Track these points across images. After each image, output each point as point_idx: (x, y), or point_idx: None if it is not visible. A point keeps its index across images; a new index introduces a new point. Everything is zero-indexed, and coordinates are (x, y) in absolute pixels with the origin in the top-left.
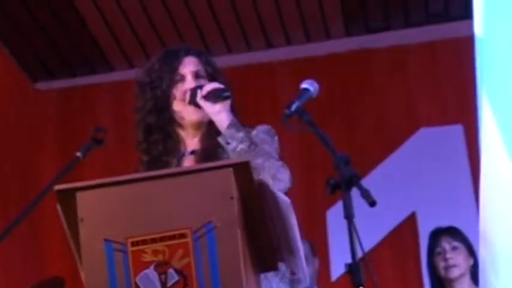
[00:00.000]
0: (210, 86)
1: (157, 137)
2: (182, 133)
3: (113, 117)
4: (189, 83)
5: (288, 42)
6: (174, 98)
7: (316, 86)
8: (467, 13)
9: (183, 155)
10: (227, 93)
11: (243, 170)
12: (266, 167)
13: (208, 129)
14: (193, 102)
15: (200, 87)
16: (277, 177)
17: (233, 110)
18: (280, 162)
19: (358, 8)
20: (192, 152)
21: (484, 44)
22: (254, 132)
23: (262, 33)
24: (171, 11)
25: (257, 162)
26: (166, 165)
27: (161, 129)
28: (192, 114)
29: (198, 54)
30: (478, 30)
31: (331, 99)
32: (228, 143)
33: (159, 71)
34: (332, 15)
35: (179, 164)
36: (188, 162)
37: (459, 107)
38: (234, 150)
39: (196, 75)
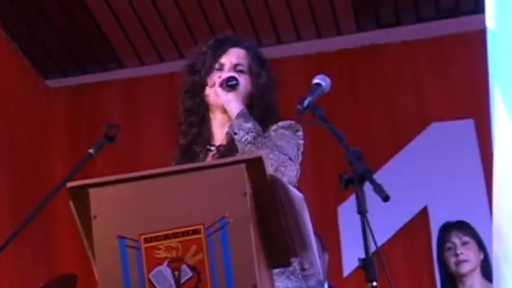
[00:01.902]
0: (225, 75)
1: (193, 120)
2: (213, 118)
3: (124, 114)
4: (225, 73)
5: (299, 38)
6: (209, 85)
7: (328, 80)
8: (477, 7)
9: (210, 149)
10: (233, 82)
11: (255, 166)
12: (270, 159)
13: None
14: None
15: (220, 76)
16: (280, 170)
17: (270, 104)
18: (286, 156)
19: (369, 3)
20: (218, 148)
21: (496, 38)
22: (274, 126)
23: (272, 29)
24: (182, 8)
25: (262, 153)
26: (196, 156)
27: (196, 112)
28: (216, 104)
29: (246, 47)
30: (490, 24)
31: (342, 95)
32: (235, 133)
33: (203, 56)
34: (343, 11)
35: (205, 156)
36: (212, 157)
37: (470, 102)
38: (239, 140)
39: (235, 68)
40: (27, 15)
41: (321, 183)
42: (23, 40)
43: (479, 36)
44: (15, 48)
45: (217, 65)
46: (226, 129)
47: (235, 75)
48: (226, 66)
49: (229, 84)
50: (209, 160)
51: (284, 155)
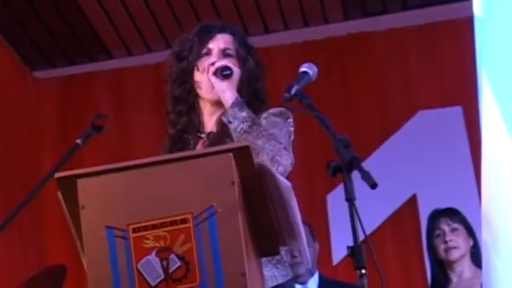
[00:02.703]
0: (219, 63)
1: (182, 108)
2: (202, 105)
3: (112, 105)
4: (213, 57)
5: (286, 26)
6: (197, 70)
7: (315, 69)
8: None
9: (200, 137)
10: (227, 72)
11: (243, 155)
12: (265, 148)
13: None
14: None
15: (212, 63)
16: (276, 160)
17: (259, 91)
18: (282, 145)
19: None
20: (208, 135)
21: (484, 25)
22: (265, 114)
23: (260, 18)
24: None
25: (257, 143)
26: (187, 144)
27: (185, 100)
28: (208, 91)
29: (233, 33)
30: (477, 11)
31: (330, 83)
32: (230, 122)
33: (190, 42)
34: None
35: (195, 144)
36: (201, 144)
37: (458, 89)
38: (235, 129)
39: (224, 52)
40: (14, 6)
41: (309, 171)
42: (11, 31)
43: (467, 24)
44: (3, 40)
45: (205, 50)
46: (216, 116)
47: (230, 64)
48: (215, 51)
49: (224, 74)
50: (199, 148)
51: (279, 144)
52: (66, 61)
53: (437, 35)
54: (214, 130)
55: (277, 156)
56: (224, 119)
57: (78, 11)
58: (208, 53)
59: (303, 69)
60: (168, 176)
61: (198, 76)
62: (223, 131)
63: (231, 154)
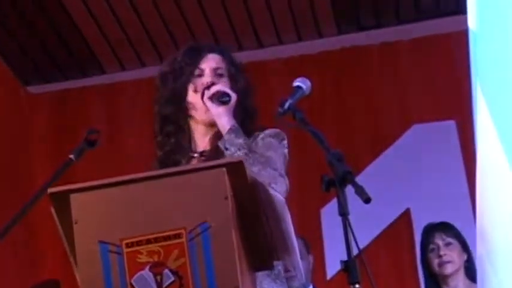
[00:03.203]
0: (215, 88)
1: (170, 129)
2: (194, 127)
3: (106, 120)
4: (206, 78)
5: (280, 41)
6: (193, 90)
7: (309, 83)
8: (457, 8)
9: (193, 156)
10: (226, 98)
11: (236, 170)
12: (262, 175)
13: (219, 130)
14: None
15: (209, 87)
16: (272, 187)
17: (250, 110)
18: (277, 172)
19: (349, 6)
20: (202, 153)
21: (478, 38)
22: (262, 135)
23: (253, 33)
24: (163, 13)
25: (253, 170)
26: (177, 164)
27: (175, 120)
28: (202, 113)
29: (222, 53)
30: (472, 24)
31: (324, 98)
32: (226, 149)
33: (181, 63)
34: (323, 14)
35: (188, 163)
36: (195, 163)
37: (451, 103)
38: (231, 156)
39: (215, 73)
40: (7, 21)
41: (303, 185)
42: (4, 46)
43: (460, 37)
44: None
45: (197, 71)
46: (209, 136)
47: (227, 89)
48: (207, 71)
49: (222, 100)
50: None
51: (274, 170)
52: (60, 76)
53: (430, 49)
54: (208, 149)
55: (273, 184)
56: (220, 145)
57: (72, 26)
58: (201, 73)
59: (296, 83)
60: (162, 191)
61: (192, 97)
62: (218, 151)
63: (224, 169)
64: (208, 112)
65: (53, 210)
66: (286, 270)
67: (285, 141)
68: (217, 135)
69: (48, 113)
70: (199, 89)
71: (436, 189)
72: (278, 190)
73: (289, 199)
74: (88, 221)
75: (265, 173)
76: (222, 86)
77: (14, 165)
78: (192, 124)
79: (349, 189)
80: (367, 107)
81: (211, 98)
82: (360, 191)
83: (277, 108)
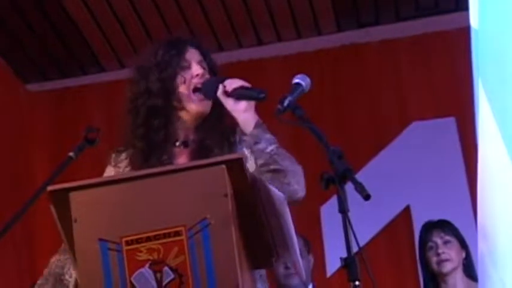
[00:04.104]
0: (235, 82)
1: (159, 122)
2: (183, 118)
3: (105, 118)
4: (195, 69)
5: (279, 38)
6: (182, 82)
7: (308, 80)
8: (457, 6)
9: (174, 144)
10: (262, 95)
11: (236, 167)
12: (292, 171)
13: (207, 122)
14: (209, 93)
15: (220, 80)
16: (300, 183)
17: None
18: (300, 167)
19: (348, 3)
20: (184, 143)
21: (480, 35)
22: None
23: (252, 30)
24: (162, 10)
25: (286, 164)
26: (160, 155)
27: (165, 112)
28: (197, 104)
29: (199, 48)
30: (474, 22)
31: (323, 95)
32: (256, 142)
33: (166, 55)
34: (322, 11)
35: (170, 154)
36: (180, 155)
37: (451, 100)
38: (263, 150)
39: (201, 65)
40: (7, 19)
41: None
42: (3, 45)
43: (460, 34)
44: None
45: (184, 63)
46: (194, 125)
47: (249, 85)
48: (193, 64)
49: (260, 97)
50: (181, 158)
51: (299, 165)
52: (59, 74)
53: (430, 46)
54: (192, 138)
55: (302, 179)
56: (248, 139)
57: (71, 24)
58: (188, 65)
59: (296, 80)
60: (161, 188)
61: (183, 89)
62: (204, 143)
63: (223, 166)
64: (201, 103)
65: (52, 208)
66: (286, 267)
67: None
68: (202, 127)
69: (47, 111)
70: (189, 80)
71: (435, 187)
72: (304, 187)
73: None
74: (88, 219)
75: (294, 169)
76: (242, 81)
77: (14, 163)
78: (181, 114)
79: (349, 187)
80: (367, 104)
81: (229, 93)
82: (360, 188)
83: (277, 105)
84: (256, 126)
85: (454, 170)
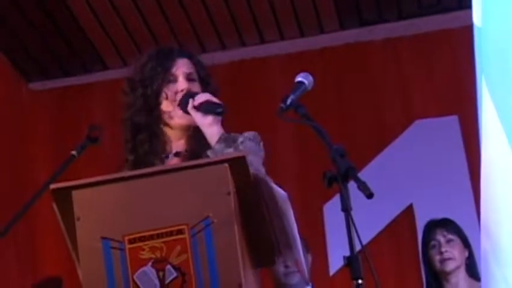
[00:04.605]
0: (202, 97)
1: (143, 136)
2: (169, 133)
3: (108, 116)
4: (181, 84)
5: (282, 37)
6: (165, 98)
7: (311, 78)
8: (460, 4)
9: (167, 156)
10: (220, 110)
11: (239, 165)
12: None
13: (195, 132)
14: (183, 109)
15: (192, 95)
16: None
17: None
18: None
19: (351, 1)
20: (177, 154)
21: (483, 34)
22: (241, 139)
23: (255, 29)
24: (164, 8)
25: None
26: (151, 165)
27: (148, 128)
28: (180, 117)
29: (190, 57)
30: (477, 20)
31: (326, 93)
32: None
33: (152, 69)
34: (325, 9)
35: (162, 163)
36: (173, 163)
37: (454, 98)
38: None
39: (188, 78)
40: (9, 18)
41: (305, 181)
42: (5, 43)
43: (463, 33)
44: None
45: (170, 77)
46: (184, 139)
47: (217, 100)
48: (180, 78)
49: (217, 112)
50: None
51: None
52: (61, 72)
53: (433, 44)
54: (183, 149)
55: None
56: (210, 155)
57: (73, 22)
58: (173, 79)
59: (298, 79)
60: (164, 186)
61: (166, 106)
62: (194, 150)
63: (226, 164)
64: (186, 118)
65: (55, 206)
66: (286, 266)
67: (262, 143)
68: (193, 138)
69: (50, 109)
70: (173, 96)
71: (438, 185)
72: None
73: (291, 195)
74: (90, 217)
75: None
76: (209, 95)
77: (16, 162)
78: (166, 130)
79: (352, 185)
80: (370, 102)
81: (197, 108)
82: (363, 187)
83: (280, 103)
84: (219, 140)
85: (457, 168)
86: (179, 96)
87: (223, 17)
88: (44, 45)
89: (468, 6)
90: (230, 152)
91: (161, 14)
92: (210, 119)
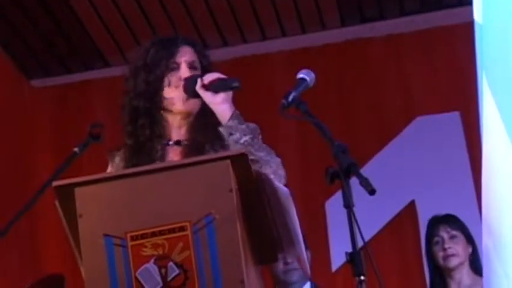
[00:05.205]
0: (212, 76)
1: (144, 122)
2: (170, 120)
3: (109, 113)
4: (184, 72)
5: (283, 33)
6: (168, 85)
7: (313, 75)
8: (460, 1)
9: (167, 143)
10: (236, 84)
11: (241, 162)
12: (268, 161)
13: (197, 120)
14: (190, 90)
15: (200, 76)
16: (278, 173)
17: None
18: (279, 159)
19: None
20: (177, 142)
21: (484, 30)
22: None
23: (257, 25)
24: (166, 4)
25: (260, 155)
26: (151, 151)
27: (148, 113)
28: (183, 103)
29: (193, 45)
30: (478, 17)
31: (328, 90)
32: (231, 134)
33: (155, 55)
34: (326, 6)
35: (163, 152)
36: (173, 152)
37: (455, 94)
38: (237, 141)
39: (191, 66)
40: (10, 15)
41: (307, 178)
42: (6, 40)
43: (464, 29)
44: None
45: (172, 65)
46: (186, 126)
47: (225, 76)
48: (183, 66)
49: (233, 86)
50: (173, 156)
51: (277, 157)
52: (63, 69)
53: (434, 41)
54: (184, 138)
55: (280, 170)
56: (223, 131)
57: (75, 20)
58: (176, 67)
59: (300, 75)
60: (166, 183)
61: (168, 92)
62: (196, 140)
63: (228, 161)
64: (187, 103)
65: (57, 203)
66: (285, 263)
67: (260, 137)
68: (195, 127)
69: (51, 106)
70: (175, 82)
71: (440, 181)
72: (283, 176)
73: (293, 191)
74: (93, 215)
75: (271, 159)
76: (218, 74)
77: (17, 159)
78: (166, 116)
79: (354, 181)
80: (371, 99)
81: (206, 87)
82: (365, 183)
83: (281, 100)
84: (232, 117)
85: (459, 164)
86: (182, 82)
87: (225, 14)
88: (45, 42)
89: (469, 2)
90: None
91: (163, 11)
92: (221, 96)
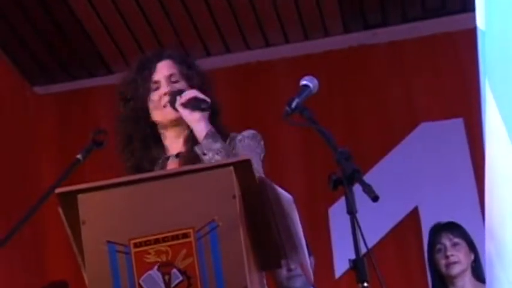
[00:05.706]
0: (189, 94)
1: (137, 145)
2: (166, 135)
3: (113, 120)
4: (163, 88)
5: (287, 40)
6: (153, 108)
7: (316, 82)
8: (464, 7)
9: (168, 158)
10: (205, 106)
11: (244, 168)
12: None
13: (193, 131)
14: (172, 106)
15: (180, 92)
16: None
17: (217, 111)
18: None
19: (356, 4)
20: (178, 155)
21: (486, 37)
22: (239, 137)
23: (260, 32)
24: (169, 12)
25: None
26: (152, 166)
27: (141, 138)
28: (169, 114)
29: (170, 57)
30: (480, 23)
31: (331, 97)
32: (204, 154)
33: (134, 82)
34: (329, 12)
35: (163, 165)
36: (173, 164)
37: (459, 101)
38: (209, 161)
39: (170, 79)
40: (14, 22)
41: (311, 184)
42: (10, 47)
43: (467, 36)
44: (2, 55)
45: (153, 85)
46: (183, 136)
47: (202, 96)
48: (162, 82)
49: (201, 108)
50: (173, 166)
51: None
52: (66, 76)
53: (437, 47)
54: (183, 150)
55: None
56: (198, 151)
57: (78, 26)
58: (157, 87)
59: (303, 82)
60: (169, 190)
61: (154, 115)
62: (194, 153)
63: (231, 167)
64: (174, 112)
65: (60, 210)
66: (289, 269)
67: (262, 142)
68: (191, 137)
69: (55, 113)
70: (159, 101)
71: (444, 188)
72: None
73: (297, 198)
74: (96, 221)
75: None
76: (196, 92)
77: (21, 166)
78: (162, 132)
79: (357, 188)
80: (375, 105)
81: (184, 104)
82: (368, 190)
83: (285, 107)
84: (207, 136)
85: (462, 171)
86: (164, 99)
87: (228, 21)
88: (48, 49)
89: (472, 9)
90: (218, 146)
91: (166, 18)
92: (197, 115)
